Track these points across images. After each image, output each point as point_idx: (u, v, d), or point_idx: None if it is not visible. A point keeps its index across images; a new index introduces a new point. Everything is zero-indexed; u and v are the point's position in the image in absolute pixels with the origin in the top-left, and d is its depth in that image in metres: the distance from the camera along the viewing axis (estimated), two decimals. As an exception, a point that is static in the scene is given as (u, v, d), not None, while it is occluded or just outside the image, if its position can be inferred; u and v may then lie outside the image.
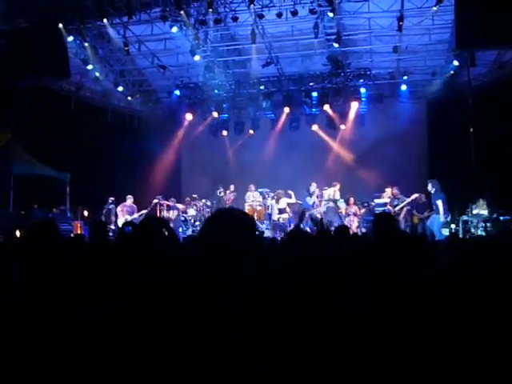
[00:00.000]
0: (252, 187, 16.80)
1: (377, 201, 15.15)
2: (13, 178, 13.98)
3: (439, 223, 12.34)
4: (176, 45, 15.48)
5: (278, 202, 15.51)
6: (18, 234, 10.89)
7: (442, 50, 15.51)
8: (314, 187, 15.62)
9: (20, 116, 19.36)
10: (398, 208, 13.77)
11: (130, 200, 15.44)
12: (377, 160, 17.35)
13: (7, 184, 14.03)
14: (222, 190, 16.83)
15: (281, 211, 15.39)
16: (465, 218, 13.38)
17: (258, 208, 16.53)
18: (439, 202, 12.17)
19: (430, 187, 12.47)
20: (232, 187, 17.10)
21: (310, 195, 15.50)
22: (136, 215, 15.12)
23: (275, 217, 15.46)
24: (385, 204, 14.48)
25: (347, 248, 4.28)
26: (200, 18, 13.74)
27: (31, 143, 16.39)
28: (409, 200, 13.79)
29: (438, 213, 12.22)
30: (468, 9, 11.50)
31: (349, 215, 14.83)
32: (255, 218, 16.17)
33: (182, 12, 13.25)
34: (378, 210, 14.08)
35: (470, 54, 14.05)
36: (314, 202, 15.28)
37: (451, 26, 13.55)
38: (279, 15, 13.18)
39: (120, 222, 15.01)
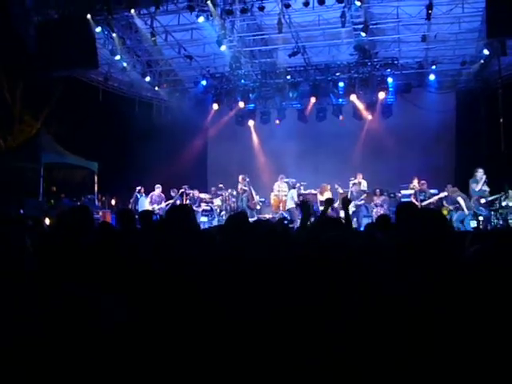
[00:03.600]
0: (281, 176, 16.70)
1: (403, 192, 15.04)
2: (42, 167, 14.22)
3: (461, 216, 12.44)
4: (202, 35, 15.50)
5: (322, 194, 15.54)
6: (47, 221, 11.13)
7: (472, 38, 15.19)
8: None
9: (50, 107, 19.70)
10: (424, 203, 13.66)
11: (158, 189, 15.61)
12: (404, 151, 17.18)
13: (37, 173, 14.29)
14: (247, 179, 16.75)
15: (321, 203, 15.41)
16: (494, 209, 13.19)
17: (284, 198, 16.51)
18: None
19: (480, 174, 12.45)
20: (240, 178, 16.98)
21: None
22: (163, 205, 15.28)
23: (289, 204, 15.53)
24: (410, 195, 14.38)
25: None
26: (226, 7, 13.71)
27: (60, 133, 16.67)
28: (437, 197, 13.67)
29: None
30: (499, -4, 11.29)
31: (376, 206, 14.74)
32: (280, 208, 16.25)
33: (208, 2, 13.23)
34: (404, 200, 14.00)
35: (500, 43, 13.76)
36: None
37: (482, 14, 13.28)
38: (306, 4, 13.06)
39: (147, 212, 15.17)
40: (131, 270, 2.61)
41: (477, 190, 12.65)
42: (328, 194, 15.37)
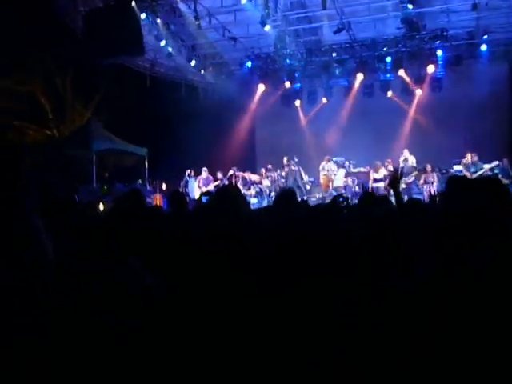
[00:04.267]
0: (327, 158, 16.68)
1: (456, 167, 14.66)
2: (94, 154, 14.58)
3: None
4: (246, 16, 15.40)
5: (377, 171, 15.43)
6: (101, 207, 11.44)
7: (527, 4, 14.56)
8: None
9: (99, 95, 20.12)
10: (476, 175, 13.29)
11: (205, 173, 15.81)
12: (455, 125, 16.74)
13: (90, 160, 14.67)
14: (296, 160, 16.74)
15: (376, 180, 15.31)
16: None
17: (333, 177, 16.44)
18: None
19: None
20: (285, 160, 16.95)
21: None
22: (211, 186, 15.45)
23: (338, 184, 15.54)
24: (462, 171, 14.02)
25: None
26: (269, -14, 13.61)
27: (110, 120, 17.02)
28: (489, 167, 13.26)
29: None
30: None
31: (427, 183, 14.45)
32: (330, 187, 16.21)
33: (251, -18, 13.18)
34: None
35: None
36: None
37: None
38: (350, -21, 12.84)
39: (197, 195, 15.41)
40: (180, 251, 2.66)
41: None
42: (383, 172, 15.17)
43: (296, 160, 16.73)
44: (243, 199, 3.95)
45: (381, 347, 1.85)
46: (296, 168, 16.62)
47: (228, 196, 3.51)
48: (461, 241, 2.06)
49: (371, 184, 15.23)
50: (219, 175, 16.18)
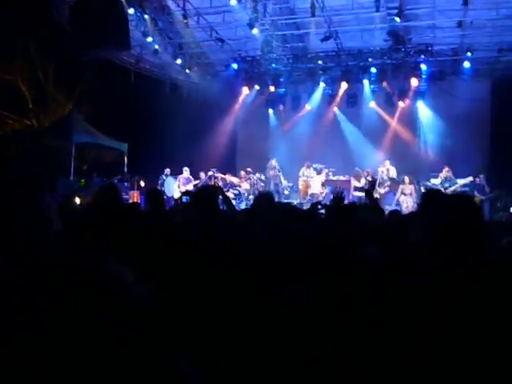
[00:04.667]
0: (307, 164, 16.75)
1: (433, 181, 14.84)
2: (74, 147, 14.43)
3: None
4: (234, 18, 15.41)
5: (358, 180, 15.54)
6: (77, 200, 11.31)
7: (511, 25, 14.79)
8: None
9: (82, 87, 19.90)
10: (450, 190, 13.46)
11: (186, 172, 15.76)
12: (435, 139, 16.95)
13: (68, 153, 14.51)
14: (275, 164, 16.80)
15: (357, 189, 15.33)
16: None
17: (311, 183, 16.55)
18: None
19: None
20: (274, 161, 17.00)
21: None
22: (191, 185, 15.41)
23: (315, 191, 15.66)
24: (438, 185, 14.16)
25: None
26: (259, -10, 13.64)
27: (92, 113, 16.86)
28: (462, 182, 13.46)
29: None
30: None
31: (405, 195, 14.56)
32: (308, 193, 16.30)
33: (241, -16, 13.19)
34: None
35: (540, 30, 13.40)
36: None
37: (521, 0, 12.93)
38: (340, -12, 12.93)
39: (176, 194, 15.36)
40: (162, 250, 2.66)
41: None
42: (364, 181, 15.23)
43: (275, 164, 16.78)
44: (226, 199, 3.95)
45: (381, 345, 1.90)
46: (279, 173, 16.70)
47: (207, 195, 3.50)
48: (453, 248, 2.19)
49: (352, 192, 15.29)
50: (202, 175, 16.15)
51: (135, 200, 14.73)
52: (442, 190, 13.35)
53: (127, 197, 14.58)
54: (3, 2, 16.16)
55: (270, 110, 19.84)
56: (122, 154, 16.17)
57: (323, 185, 16.23)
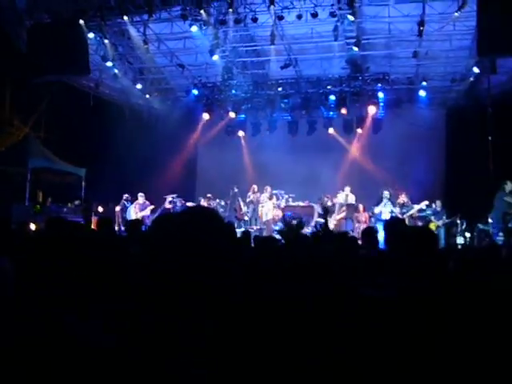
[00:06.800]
0: (268, 188, 16.72)
1: (391, 208, 14.98)
2: (29, 171, 14.11)
3: None
4: (195, 44, 15.51)
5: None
6: (32, 227, 10.99)
7: (463, 56, 15.32)
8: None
9: (39, 111, 19.54)
10: (407, 215, 13.69)
11: (141, 198, 15.48)
12: (393, 166, 17.23)
13: (24, 178, 14.17)
14: (236, 190, 16.76)
15: (320, 215, 15.18)
16: (481, 226, 13.26)
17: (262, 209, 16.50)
18: None
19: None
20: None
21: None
22: (148, 210, 15.19)
23: (268, 217, 15.61)
24: (392, 211, 14.18)
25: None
26: (220, 17, 13.76)
27: (49, 138, 16.54)
28: (418, 207, 13.73)
29: None
30: (490, 15, 11.35)
31: (359, 222, 14.66)
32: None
33: (202, 11, 13.29)
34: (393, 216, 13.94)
35: (490, 62, 13.90)
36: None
37: (472, 33, 13.39)
38: (299, 17, 13.17)
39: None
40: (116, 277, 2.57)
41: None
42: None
43: (236, 190, 16.73)
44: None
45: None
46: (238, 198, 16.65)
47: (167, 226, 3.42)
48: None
49: (315, 218, 15.25)
50: (167, 201, 15.95)
51: (93, 226, 14.42)
52: (400, 216, 13.54)
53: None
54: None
55: (231, 136, 19.84)
56: (79, 178, 15.88)
57: (279, 208, 16.13)
